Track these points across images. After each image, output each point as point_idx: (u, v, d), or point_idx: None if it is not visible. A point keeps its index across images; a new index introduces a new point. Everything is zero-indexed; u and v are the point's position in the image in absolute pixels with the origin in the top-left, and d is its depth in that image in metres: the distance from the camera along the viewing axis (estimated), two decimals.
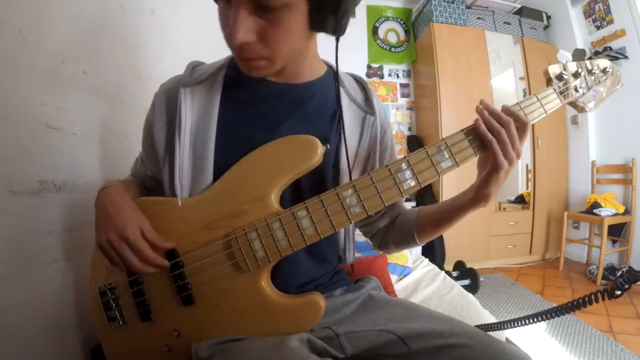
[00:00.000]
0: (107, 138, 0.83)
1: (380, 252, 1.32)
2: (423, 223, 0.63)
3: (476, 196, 0.54)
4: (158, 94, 0.59)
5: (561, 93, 0.58)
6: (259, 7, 0.43)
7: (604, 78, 0.61)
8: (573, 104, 0.60)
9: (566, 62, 0.59)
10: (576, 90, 0.59)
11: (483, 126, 0.50)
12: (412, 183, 0.51)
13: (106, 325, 0.55)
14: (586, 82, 0.60)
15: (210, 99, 0.56)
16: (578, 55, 0.60)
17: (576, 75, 0.59)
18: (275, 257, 0.51)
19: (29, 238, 0.61)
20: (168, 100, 0.57)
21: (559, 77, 0.58)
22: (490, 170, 0.50)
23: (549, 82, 0.59)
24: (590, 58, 0.61)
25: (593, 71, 0.60)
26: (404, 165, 0.51)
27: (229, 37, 0.45)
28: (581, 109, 0.60)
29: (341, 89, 0.63)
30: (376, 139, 0.63)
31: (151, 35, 1.03)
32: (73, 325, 0.71)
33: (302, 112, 0.58)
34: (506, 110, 0.51)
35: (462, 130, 0.52)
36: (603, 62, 0.62)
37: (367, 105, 0.63)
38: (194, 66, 0.60)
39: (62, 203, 0.68)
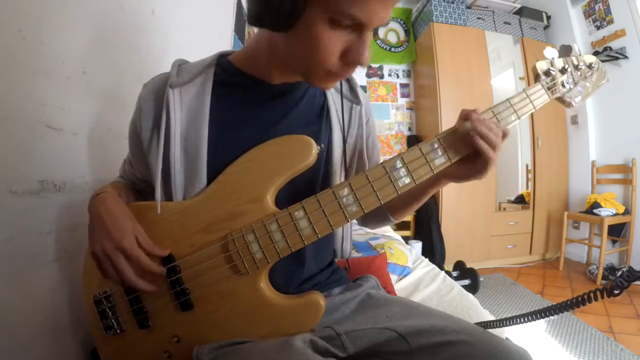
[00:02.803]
0: (107, 138, 0.83)
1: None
2: (393, 204, 0.63)
3: (447, 174, 0.55)
4: (143, 95, 0.57)
5: (549, 89, 0.59)
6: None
7: (590, 73, 0.62)
8: (560, 99, 0.61)
9: (553, 58, 0.60)
10: (563, 85, 0.60)
11: (478, 138, 0.50)
12: (407, 180, 0.51)
13: (103, 334, 0.54)
14: (573, 78, 0.61)
15: (201, 99, 0.54)
16: (564, 51, 0.61)
17: (563, 71, 0.60)
18: (273, 259, 0.51)
19: (29, 238, 0.61)
20: (155, 102, 0.55)
21: (547, 73, 0.59)
22: (479, 165, 0.52)
23: (536, 78, 0.60)
24: (576, 54, 0.62)
25: (579, 67, 0.61)
26: (398, 163, 0.51)
27: (358, 61, 0.45)
28: (568, 104, 0.62)
29: None
30: (362, 126, 0.65)
31: (151, 35, 1.03)
32: (72, 326, 0.71)
33: (295, 111, 0.59)
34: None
35: (456, 127, 0.53)
36: (589, 58, 0.63)
37: (353, 95, 0.66)
38: (179, 64, 0.58)
39: (62, 203, 0.68)
